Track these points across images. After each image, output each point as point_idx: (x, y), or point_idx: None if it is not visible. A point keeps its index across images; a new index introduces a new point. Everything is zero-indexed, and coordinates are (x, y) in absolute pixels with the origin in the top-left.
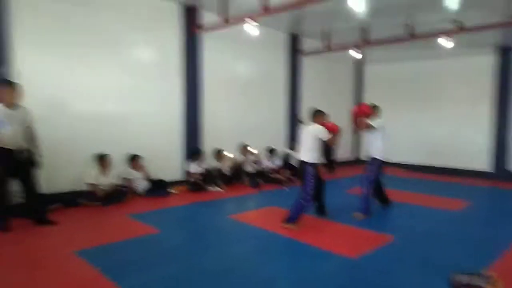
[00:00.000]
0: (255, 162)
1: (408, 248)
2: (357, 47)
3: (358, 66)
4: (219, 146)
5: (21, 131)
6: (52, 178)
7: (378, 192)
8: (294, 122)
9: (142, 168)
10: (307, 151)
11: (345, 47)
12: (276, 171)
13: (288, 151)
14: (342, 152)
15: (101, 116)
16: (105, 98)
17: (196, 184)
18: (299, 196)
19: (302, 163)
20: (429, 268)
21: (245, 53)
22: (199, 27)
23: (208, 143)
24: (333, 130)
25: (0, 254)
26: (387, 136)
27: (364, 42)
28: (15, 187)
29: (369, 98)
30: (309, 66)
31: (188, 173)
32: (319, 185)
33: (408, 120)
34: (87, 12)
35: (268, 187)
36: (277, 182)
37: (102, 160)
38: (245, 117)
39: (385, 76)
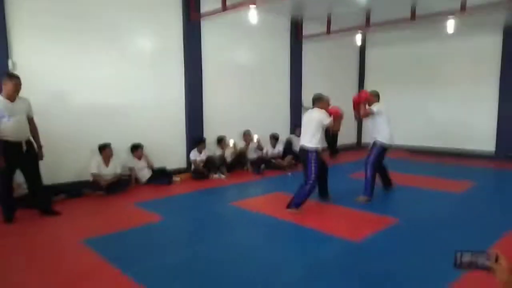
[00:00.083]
0: (258, 149)
1: (412, 230)
2: (360, 30)
3: (361, 49)
4: (221, 134)
5: (22, 123)
6: (55, 169)
7: (383, 175)
8: (297, 107)
9: (145, 157)
10: (310, 137)
11: (347, 31)
12: (279, 157)
13: (291, 137)
14: (345, 137)
15: (103, 106)
16: (106, 88)
17: (199, 172)
18: (303, 182)
19: (305, 148)
20: (433, 249)
21: (246, 39)
22: (200, 14)
23: (211, 131)
24: (336, 114)
25: (6, 244)
26: (390, 120)
27: (367, 25)
28: (19, 178)
29: (372, 82)
30: (311, 51)
31: (191, 161)
32: (323, 170)
33: (412, 102)
34: (86, 3)
35: (271, 174)
36: (280, 168)
37: (105, 150)
38: (247, 104)
39: (389, 59)
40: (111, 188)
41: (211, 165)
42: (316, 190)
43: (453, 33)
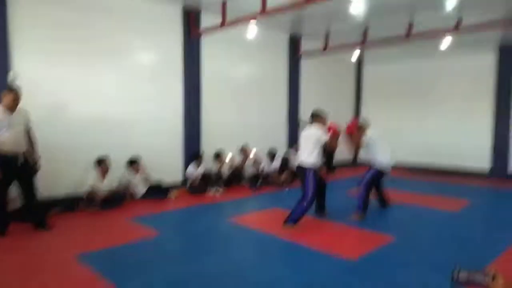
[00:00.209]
0: (255, 164)
1: (408, 248)
2: (357, 47)
3: (358, 66)
4: (219, 149)
5: (20, 135)
6: (51, 182)
7: (378, 194)
8: (294, 123)
9: (141, 171)
10: (308, 154)
11: (345, 48)
12: (276, 173)
13: (289, 152)
14: (342, 154)
15: (101, 120)
16: (105, 102)
17: (195, 187)
18: (300, 199)
19: (302, 165)
20: (430, 267)
21: (245, 55)
22: (200, 30)
23: (208, 146)
24: (334, 132)
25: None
26: (386, 145)
27: (364, 42)
28: (14, 191)
29: (369, 98)
30: (309, 67)
31: (188, 176)
32: (320, 187)
33: (407, 119)
34: (87, 17)
35: (268, 189)
36: (277, 184)
37: (101, 164)
38: (245, 119)
39: (385, 76)
40: (106, 202)
41: (208, 180)
42: (313, 206)
43: (448, 51)
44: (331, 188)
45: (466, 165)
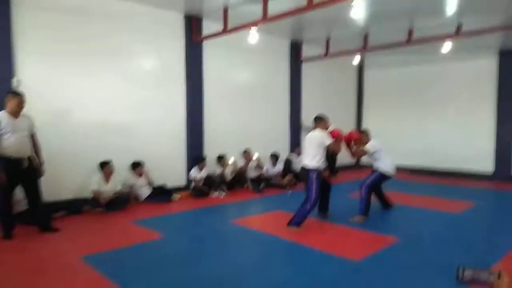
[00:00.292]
0: (258, 167)
1: (411, 250)
2: (358, 52)
3: (359, 71)
4: (221, 152)
5: (24, 140)
6: (56, 186)
7: (379, 196)
8: (296, 127)
9: (145, 174)
10: (311, 157)
11: (345, 53)
12: (279, 176)
13: (291, 156)
14: (344, 157)
15: (104, 125)
16: (108, 106)
17: (199, 190)
18: (303, 201)
19: (306, 168)
20: (433, 269)
21: (247, 61)
22: (202, 35)
23: (211, 149)
24: (337, 137)
25: (5, 261)
26: (386, 154)
27: (365, 47)
28: (18, 195)
29: (370, 102)
30: (310, 73)
31: (191, 179)
32: (324, 189)
33: (409, 124)
34: (91, 23)
35: (271, 192)
36: (280, 187)
37: (105, 167)
38: (247, 123)
39: (386, 80)
40: (110, 205)
41: (211, 183)
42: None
43: (449, 56)
44: (334, 190)
45: (469, 168)
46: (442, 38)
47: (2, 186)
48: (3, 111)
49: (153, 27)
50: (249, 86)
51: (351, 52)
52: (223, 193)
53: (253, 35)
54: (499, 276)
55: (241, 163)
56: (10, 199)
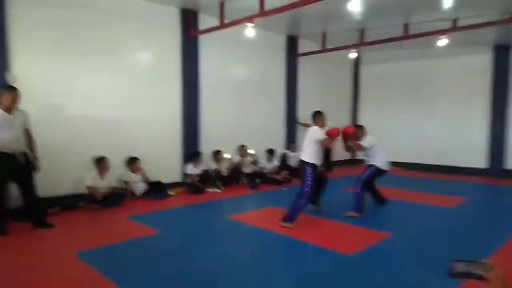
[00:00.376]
0: (253, 163)
1: (404, 244)
2: (354, 48)
3: (355, 66)
4: (217, 148)
5: (19, 135)
6: (51, 181)
7: (372, 192)
8: (292, 123)
9: (140, 170)
10: (307, 152)
11: (342, 49)
12: (275, 171)
13: (286, 151)
14: (340, 153)
15: (100, 120)
16: (104, 101)
17: (194, 186)
18: (297, 196)
19: (302, 162)
20: (426, 263)
21: (243, 55)
22: (198, 30)
23: (207, 145)
24: (335, 134)
25: (0, 257)
26: (382, 149)
27: (361, 42)
28: (13, 190)
29: (366, 97)
30: (306, 68)
31: (187, 175)
32: (319, 184)
33: (404, 119)
34: (86, 17)
35: (266, 188)
36: (276, 182)
37: (100, 163)
38: (243, 118)
39: (382, 76)
40: (106, 201)
41: (207, 179)
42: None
43: (445, 51)
44: (329, 185)
45: (462, 163)
46: (438, 33)
47: None
48: None
49: (148, 21)
50: (245, 81)
51: (347, 47)
52: (219, 189)
53: (249, 30)
54: (489, 268)
55: (236, 158)
56: (5, 195)
